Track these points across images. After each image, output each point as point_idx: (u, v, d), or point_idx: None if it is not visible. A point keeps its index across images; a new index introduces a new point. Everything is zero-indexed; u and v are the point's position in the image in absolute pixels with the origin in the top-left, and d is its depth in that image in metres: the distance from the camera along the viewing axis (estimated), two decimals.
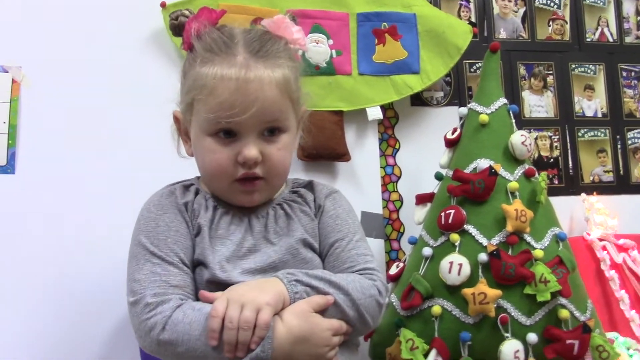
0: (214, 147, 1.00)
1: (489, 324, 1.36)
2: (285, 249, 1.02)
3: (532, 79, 1.98)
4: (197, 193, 1.07)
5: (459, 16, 1.93)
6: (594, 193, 1.90)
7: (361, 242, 1.07)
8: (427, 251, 1.45)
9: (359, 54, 1.76)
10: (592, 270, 1.77)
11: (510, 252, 1.38)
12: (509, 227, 1.38)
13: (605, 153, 2.01)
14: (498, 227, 1.41)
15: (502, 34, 1.98)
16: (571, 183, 1.97)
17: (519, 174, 1.48)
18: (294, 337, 0.91)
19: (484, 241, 1.40)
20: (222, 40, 1.00)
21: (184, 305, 0.92)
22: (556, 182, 1.95)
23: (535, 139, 1.94)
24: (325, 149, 1.71)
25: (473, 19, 1.96)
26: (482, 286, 1.35)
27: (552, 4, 2.03)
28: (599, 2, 2.08)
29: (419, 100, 1.87)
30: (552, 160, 1.97)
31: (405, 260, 1.58)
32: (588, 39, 2.06)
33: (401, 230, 1.81)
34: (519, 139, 1.48)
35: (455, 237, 1.41)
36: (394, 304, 1.48)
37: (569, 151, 1.98)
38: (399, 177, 1.83)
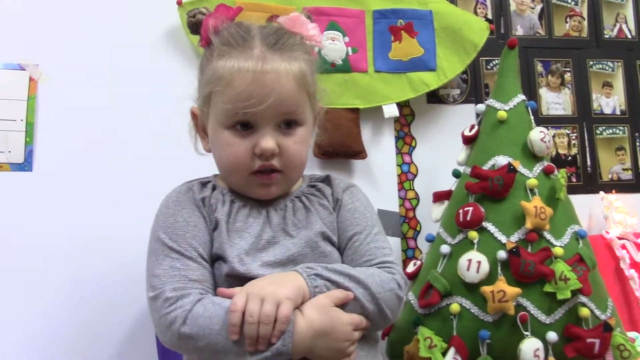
0: (231, 139, 1.00)
1: (509, 322, 1.34)
2: (305, 242, 1.02)
3: (550, 76, 1.97)
4: (214, 189, 1.07)
5: (476, 13, 1.92)
6: (613, 191, 1.89)
7: (379, 236, 1.06)
8: (445, 249, 1.44)
9: (375, 51, 1.75)
10: (611, 269, 1.75)
11: (529, 250, 1.37)
12: (528, 225, 1.37)
13: (624, 151, 1.99)
14: (517, 224, 1.40)
15: (519, 31, 1.97)
16: (589, 181, 1.95)
17: (538, 171, 1.46)
18: (315, 331, 0.90)
19: (502, 239, 1.39)
20: (239, 34, 1.01)
21: (204, 299, 0.92)
22: (574, 180, 1.93)
23: (553, 136, 1.92)
24: (342, 147, 1.70)
25: (490, 16, 1.94)
26: (501, 284, 1.33)
27: (569, 0, 2.02)
28: None
29: (435, 97, 1.86)
30: (570, 158, 1.95)
31: (422, 258, 1.57)
32: (606, 36, 2.04)
33: (417, 229, 1.80)
34: (538, 135, 1.47)
35: (473, 234, 1.40)
36: (412, 302, 1.47)
37: (587, 149, 1.97)
38: (415, 175, 1.83)
